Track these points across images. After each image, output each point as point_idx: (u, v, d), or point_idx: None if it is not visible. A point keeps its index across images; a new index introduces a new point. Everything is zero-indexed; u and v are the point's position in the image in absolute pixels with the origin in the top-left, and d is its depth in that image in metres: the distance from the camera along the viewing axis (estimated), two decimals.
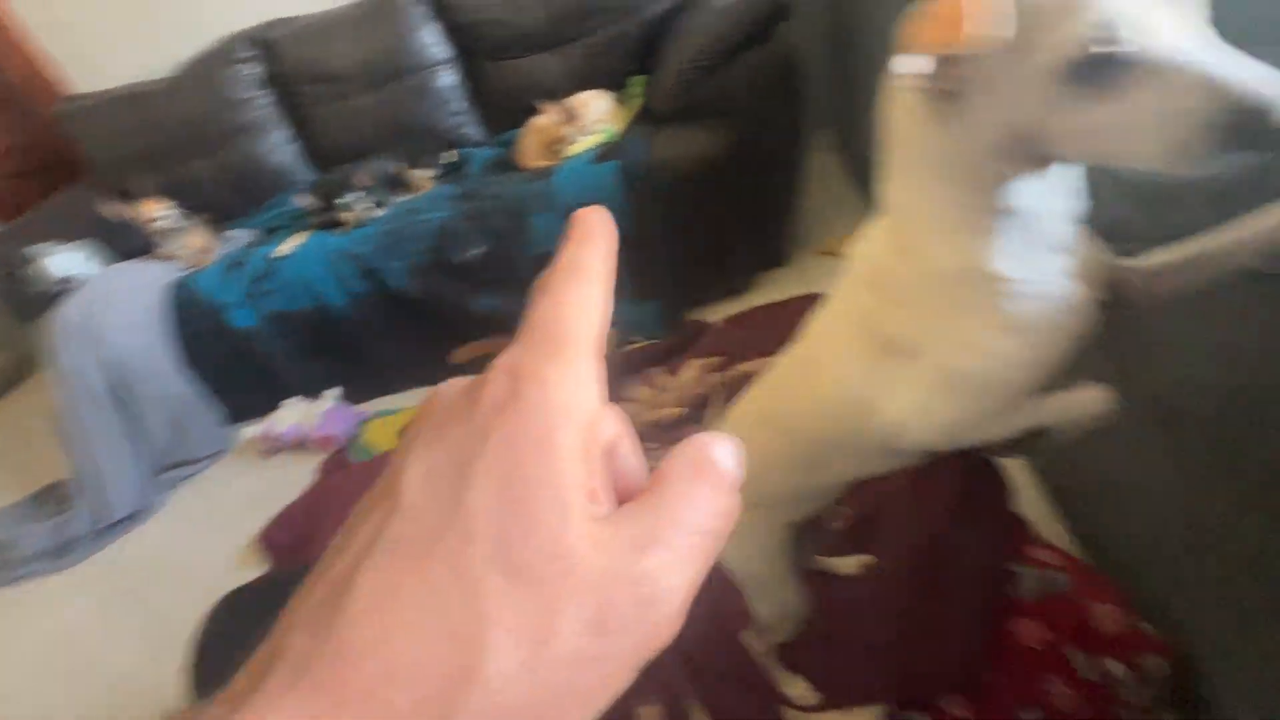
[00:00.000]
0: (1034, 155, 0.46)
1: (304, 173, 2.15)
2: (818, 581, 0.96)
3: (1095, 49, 0.39)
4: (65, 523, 1.73)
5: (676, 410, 1.46)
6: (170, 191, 1.92)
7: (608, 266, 0.21)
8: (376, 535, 0.17)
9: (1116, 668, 0.79)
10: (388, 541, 0.17)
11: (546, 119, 1.79)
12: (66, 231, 1.91)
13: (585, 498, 0.17)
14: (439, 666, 0.15)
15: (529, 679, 0.16)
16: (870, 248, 0.59)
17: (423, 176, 1.91)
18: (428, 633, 0.16)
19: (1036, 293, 0.51)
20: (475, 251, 1.68)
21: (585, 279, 0.20)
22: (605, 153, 1.70)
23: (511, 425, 0.17)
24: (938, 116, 0.46)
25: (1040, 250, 0.51)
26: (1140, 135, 0.41)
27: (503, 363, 0.19)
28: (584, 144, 1.76)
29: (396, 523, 0.17)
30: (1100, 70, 0.40)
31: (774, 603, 0.88)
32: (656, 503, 0.18)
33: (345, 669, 0.15)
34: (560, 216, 1.66)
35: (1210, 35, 0.41)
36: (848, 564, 1.04)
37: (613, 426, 0.20)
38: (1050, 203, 0.50)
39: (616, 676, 0.17)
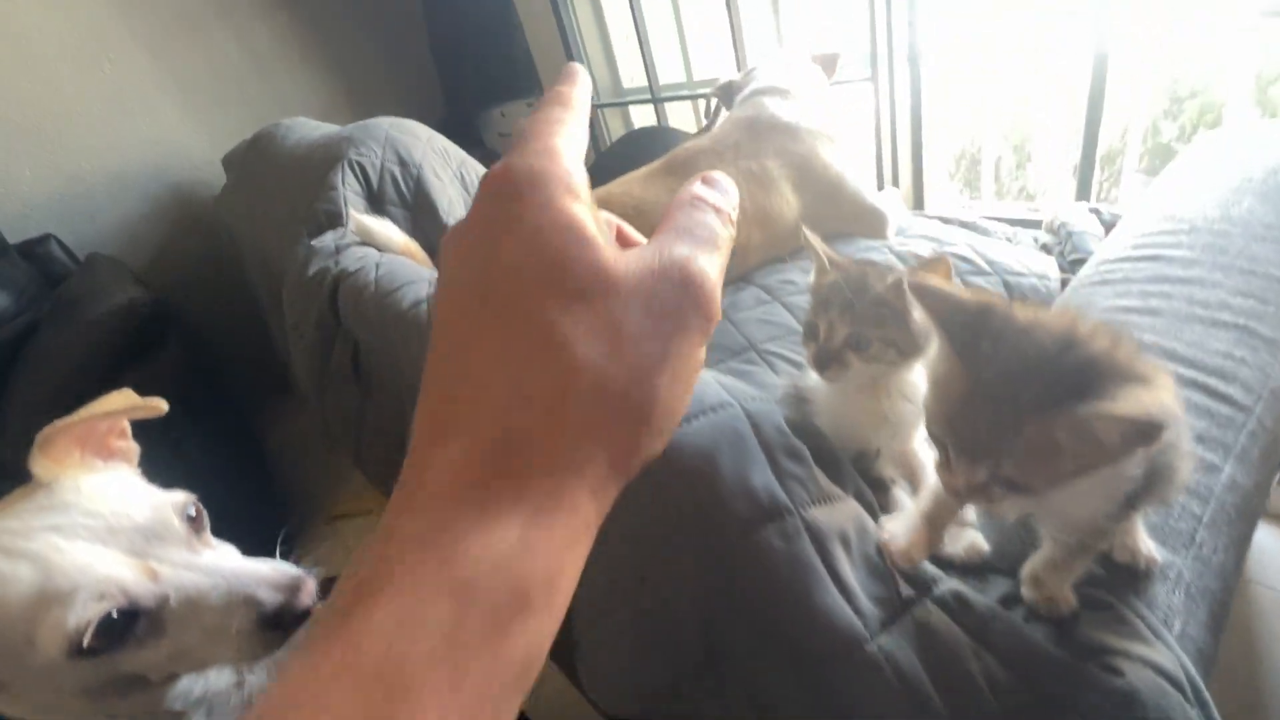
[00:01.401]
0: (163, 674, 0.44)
1: None
2: None
3: (109, 618, 0.38)
4: None
5: None
6: None
7: (585, 101, 0.25)
8: (443, 329, 0.21)
9: None
10: (449, 322, 0.21)
11: None
12: None
13: (603, 235, 0.21)
14: (545, 385, 0.19)
15: (617, 362, 0.20)
16: None
17: None
18: (523, 366, 0.19)
19: None
20: None
21: (566, 105, 0.24)
22: None
23: (522, 202, 0.21)
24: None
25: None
26: (206, 650, 0.41)
27: (497, 168, 0.22)
28: None
29: (451, 310, 0.21)
30: (128, 626, 0.39)
31: None
32: (668, 224, 0.23)
33: (466, 412, 0.19)
34: None
35: (219, 549, 0.44)
36: None
37: (610, 215, 0.26)
38: (240, 673, 0.49)
39: (689, 345, 0.21)
